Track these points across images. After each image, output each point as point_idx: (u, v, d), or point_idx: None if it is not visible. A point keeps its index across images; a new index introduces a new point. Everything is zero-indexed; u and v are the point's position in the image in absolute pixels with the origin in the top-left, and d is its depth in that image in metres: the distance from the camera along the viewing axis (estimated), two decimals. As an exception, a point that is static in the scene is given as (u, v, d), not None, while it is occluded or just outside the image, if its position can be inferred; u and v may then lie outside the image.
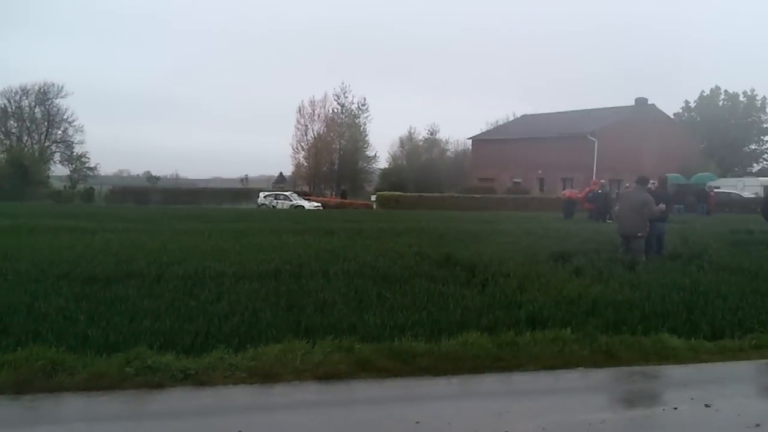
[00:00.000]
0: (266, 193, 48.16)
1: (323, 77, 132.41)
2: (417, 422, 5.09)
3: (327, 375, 6.14)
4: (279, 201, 44.66)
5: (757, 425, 5.22)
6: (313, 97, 76.31)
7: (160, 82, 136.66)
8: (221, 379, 5.94)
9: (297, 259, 11.20)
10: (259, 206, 44.57)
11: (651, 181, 13.93)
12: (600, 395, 6.27)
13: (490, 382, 6.31)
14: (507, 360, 6.70)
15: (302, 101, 73.82)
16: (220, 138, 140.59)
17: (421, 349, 6.72)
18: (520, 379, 6.39)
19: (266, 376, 6.03)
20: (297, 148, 71.20)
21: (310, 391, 5.89)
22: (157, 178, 75.50)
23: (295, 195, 47.48)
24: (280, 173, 73.19)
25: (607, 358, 6.98)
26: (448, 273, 10.44)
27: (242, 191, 60.99)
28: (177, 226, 19.79)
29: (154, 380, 5.81)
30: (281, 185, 63.44)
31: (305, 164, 70.86)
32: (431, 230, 18.64)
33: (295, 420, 5.28)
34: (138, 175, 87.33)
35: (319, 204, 45.23)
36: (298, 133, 70.85)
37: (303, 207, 42.79)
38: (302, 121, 70.51)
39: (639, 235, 12.05)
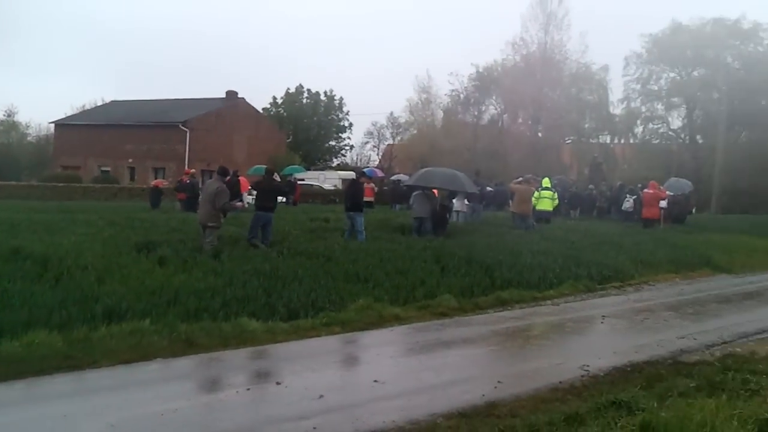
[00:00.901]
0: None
1: None
2: (-39, 439, 4.44)
3: None
4: None
5: (321, 396, 5.71)
6: None
7: None
8: None
9: None
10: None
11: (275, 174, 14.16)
12: (176, 385, 6.21)
13: (58, 383, 5.86)
14: (78, 358, 6.32)
15: None
16: None
17: (-27, 355, 5.92)
18: (93, 377, 6.04)
19: None
20: None
21: None
22: None
23: None
24: None
25: (187, 347, 7.01)
26: (15, 268, 9.36)
27: None
28: None
29: None
30: None
31: None
32: None
33: None
34: None
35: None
36: None
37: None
38: None
39: (211, 225, 12.08)
